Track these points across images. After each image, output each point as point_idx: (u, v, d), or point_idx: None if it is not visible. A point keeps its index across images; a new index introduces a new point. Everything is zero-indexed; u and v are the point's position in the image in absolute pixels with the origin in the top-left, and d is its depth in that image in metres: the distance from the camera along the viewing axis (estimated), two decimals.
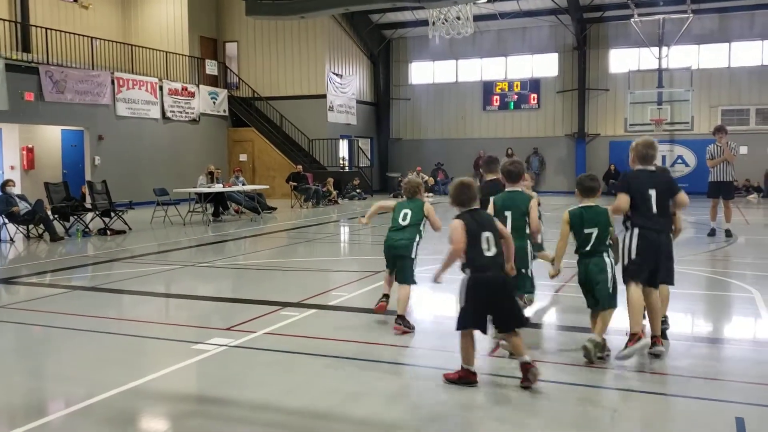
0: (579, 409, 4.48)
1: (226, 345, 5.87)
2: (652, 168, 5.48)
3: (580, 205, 5.53)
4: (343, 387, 4.89)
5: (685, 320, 7.14)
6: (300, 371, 5.31)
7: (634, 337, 5.23)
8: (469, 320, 4.86)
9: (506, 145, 29.38)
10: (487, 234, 4.85)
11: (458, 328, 4.91)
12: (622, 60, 28.24)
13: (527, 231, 6.05)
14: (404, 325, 6.29)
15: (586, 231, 5.45)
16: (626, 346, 5.22)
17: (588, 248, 5.46)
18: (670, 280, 5.66)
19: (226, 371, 5.30)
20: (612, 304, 5.44)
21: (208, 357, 5.61)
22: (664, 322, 5.95)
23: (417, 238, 6.59)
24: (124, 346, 6.05)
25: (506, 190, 6.12)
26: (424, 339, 6.41)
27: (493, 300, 4.85)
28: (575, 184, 5.73)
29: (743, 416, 4.26)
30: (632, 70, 27.25)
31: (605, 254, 5.47)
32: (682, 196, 5.48)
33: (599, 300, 5.41)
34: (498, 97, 30.36)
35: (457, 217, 4.90)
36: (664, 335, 5.77)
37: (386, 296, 6.78)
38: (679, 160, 27.53)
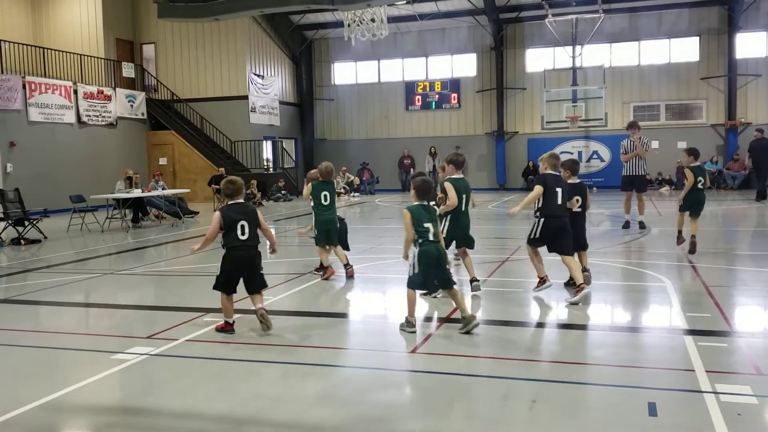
0: (497, 401, 4.61)
1: (147, 354, 5.74)
2: (558, 173, 7.75)
3: (454, 176, 7.78)
4: (268, 391, 4.88)
5: (601, 310, 7.44)
6: (223, 378, 5.25)
7: (540, 280, 7.68)
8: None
9: (429, 143, 29.81)
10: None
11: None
12: (537, 59, 29.07)
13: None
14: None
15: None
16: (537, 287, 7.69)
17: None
18: (579, 248, 8.18)
19: (147, 380, 5.19)
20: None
21: (128, 366, 5.48)
22: (586, 270, 8.11)
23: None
24: (41, 359, 5.84)
25: (456, 177, 7.81)
26: (350, 339, 6.45)
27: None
28: (448, 162, 7.94)
29: (655, 401, 4.49)
30: (548, 69, 28.09)
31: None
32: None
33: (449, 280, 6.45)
34: (420, 97, 30.73)
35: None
36: (588, 281, 7.76)
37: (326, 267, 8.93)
38: (595, 156, 28.56)
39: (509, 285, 8.60)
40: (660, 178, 26.86)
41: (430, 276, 6.27)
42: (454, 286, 6.42)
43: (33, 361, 5.80)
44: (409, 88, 30.84)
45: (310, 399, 4.71)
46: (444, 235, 7.53)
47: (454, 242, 7.87)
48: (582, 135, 28.16)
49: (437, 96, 30.51)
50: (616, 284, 8.75)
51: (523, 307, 7.49)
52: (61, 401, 4.73)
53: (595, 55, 28.02)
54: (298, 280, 9.05)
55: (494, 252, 11.47)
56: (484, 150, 29.79)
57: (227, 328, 6.36)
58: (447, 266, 6.42)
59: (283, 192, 26.51)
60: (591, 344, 6.11)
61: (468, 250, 7.98)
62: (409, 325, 6.29)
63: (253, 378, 5.20)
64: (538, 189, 7.50)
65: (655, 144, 23.75)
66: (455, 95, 30.25)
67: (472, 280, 7.88)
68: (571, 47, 27.55)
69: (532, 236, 7.63)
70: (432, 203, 6.74)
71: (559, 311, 7.22)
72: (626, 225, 13.67)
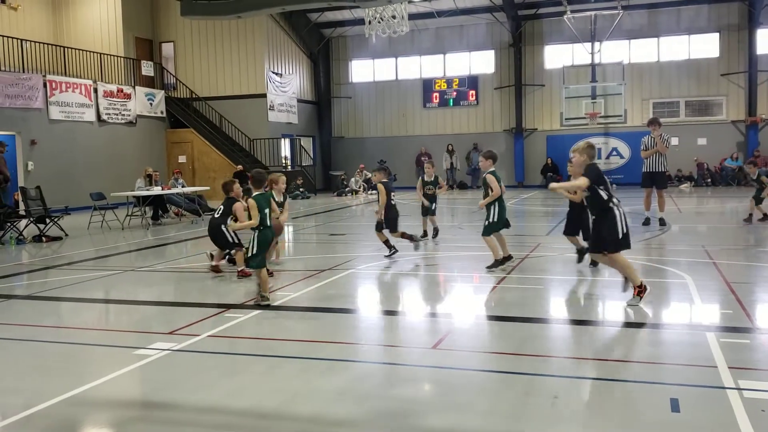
0: (519, 397, 4.60)
1: (168, 349, 5.79)
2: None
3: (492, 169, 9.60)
4: (289, 386, 4.90)
5: (622, 307, 7.39)
6: (245, 372, 5.28)
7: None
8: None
9: (447, 141, 29.75)
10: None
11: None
12: (556, 56, 28.90)
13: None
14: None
15: None
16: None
17: None
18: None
19: (169, 375, 5.23)
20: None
21: (150, 362, 5.53)
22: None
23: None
24: (64, 355, 5.90)
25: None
26: (369, 335, 6.46)
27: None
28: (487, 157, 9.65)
29: (677, 397, 4.45)
30: (566, 66, 27.92)
31: None
32: None
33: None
34: (438, 94, 30.67)
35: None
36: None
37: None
38: (614, 152, 28.36)
39: (529, 282, 8.57)
40: (680, 175, 26.61)
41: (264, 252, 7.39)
42: None
43: (56, 357, 5.86)
44: (427, 85, 30.79)
45: (331, 394, 4.72)
46: (495, 220, 9.06)
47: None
48: (601, 132, 27.94)
49: (455, 93, 30.44)
50: None
51: (544, 304, 7.45)
52: (85, 396, 4.78)
53: (614, 51, 27.82)
54: (315, 277, 9.07)
55: (514, 249, 11.43)
56: (503, 147, 29.62)
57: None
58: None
59: (301, 189, 26.60)
60: (612, 340, 6.06)
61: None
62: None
63: (274, 373, 5.23)
64: (584, 181, 6.79)
65: (674, 141, 23.49)
66: (473, 92, 30.15)
67: (507, 258, 9.16)
68: (589, 44, 27.37)
69: (618, 236, 6.80)
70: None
71: (580, 308, 7.18)
72: (646, 222, 13.56)
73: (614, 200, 6.80)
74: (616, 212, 6.75)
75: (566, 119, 26.61)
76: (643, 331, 6.31)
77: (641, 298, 6.84)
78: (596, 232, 6.96)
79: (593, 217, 7.04)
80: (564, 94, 26.66)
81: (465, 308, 7.41)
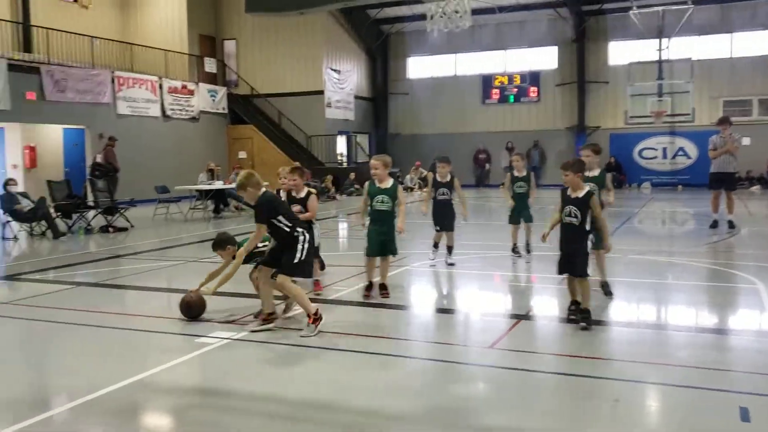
0: (578, 400, 4.49)
1: (228, 338, 5.89)
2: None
3: None
4: (344, 378, 4.91)
5: (688, 311, 7.15)
6: (300, 363, 5.33)
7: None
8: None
9: (506, 138, 29.40)
10: None
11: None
12: (621, 52, 28.20)
13: None
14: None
15: None
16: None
17: None
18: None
19: (228, 364, 5.31)
20: None
21: (210, 350, 5.63)
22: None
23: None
24: (128, 341, 6.07)
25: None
26: (425, 332, 6.43)
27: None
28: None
29: (747, 406, 4.26)
30: (632, 62, 27.17)
31: None
32: None
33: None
34: (497, 91, 30.35)
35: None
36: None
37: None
38: (680, 152, 27.52)
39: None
40: (750, 177, 25.61)
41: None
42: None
43: (120, 343, 6.03)
44: (486, 81, 30.49)
45: (385, 388, 4.71)
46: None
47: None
48: (667, 131, 27.14)
49: (515, 89, 30.05)
50: (702, 284, 8.40)
51: (605, 306, 7.27)
52: (147, 381, 4.90)
53: (682, 47, 26.94)
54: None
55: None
56: (564, 145, 29.12)
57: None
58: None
59: (356, 186, 26.69)
60: (676, 345, 5.86)
61: None
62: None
63: (329, 365, 5.25)
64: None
65: (746, 141, 22.59)
66: (534, 89, 29.72)
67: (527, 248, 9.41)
68: (656, 40, 26.59)
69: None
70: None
71: (641, 311, 6.97)
72: (714, 224, 13.09)
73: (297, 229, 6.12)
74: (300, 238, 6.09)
75: (631, 117, 25.92)
76: (710, 336, 6.08)
77: (317, 326, 5.98)
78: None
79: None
80: (629, 91, 25.97)
81: (523, 308, 7.29)
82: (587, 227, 6.10)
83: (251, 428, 4.10)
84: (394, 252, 7.56)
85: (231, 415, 4.30)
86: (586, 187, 6.22)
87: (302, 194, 7.67)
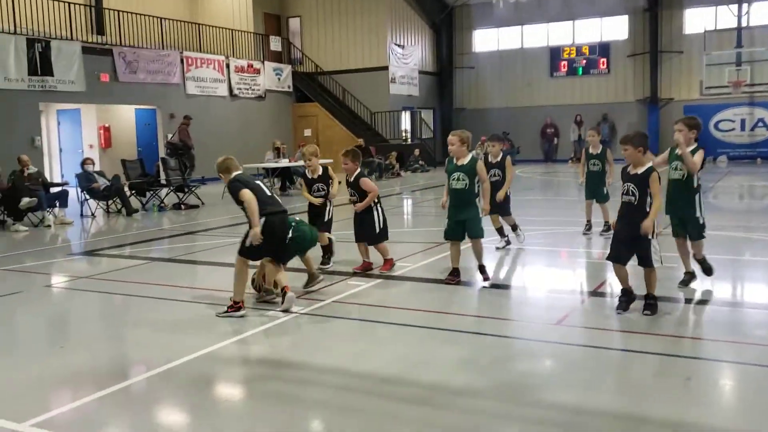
0: (649, 377, 4.40)
1: (296, 312, 6.00)
2: None
3: None
4: (411, 353, 4.95)
5: (764, 289, 6.88)
6: (368, 338, 5.40)
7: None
8: None
9: (574, 111, 28.73)
10: None
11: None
12: (697, 20, 26.99)
13: None
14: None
15: None
16: None
17: None
18: None
19: (297, 337, 5.43)
20: None
21: (279, 323, 5.76)
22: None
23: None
24: (200, 314, 6.26)
25: None
26: (491, 308, 6.40)
27: None
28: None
29: None
30: (708, 30, 26.02)
31: None
32: None
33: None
34: (566, 63, 29.60)
35: None
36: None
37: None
38: (760, 124, 26.29)
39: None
40: None
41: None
42: None
43: (193, 316, 6.23)
44: (554, 53, 29.77)
45: (452, 363, 4.73)
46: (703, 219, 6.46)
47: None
48: (746, 101, 25.93)
49: (584, 61, 29.25)
50: None
51: (677, 283, 7.06)
52: (218, 353, 5.06)
53: (764, 13, 25.57)
54: (434, 250, 9.07)
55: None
56: (635, 118, 28.27)
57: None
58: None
59: (420, 163, 26.60)
60: (752, 323, 5.65)
61: None
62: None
63: (396, 340, 5.30)
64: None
65: None
66: (604, 60, 28.86)
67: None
68: (736, 5, 25.34)
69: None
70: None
71: (715, 287, 6.74)
72: None
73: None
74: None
75: (706, 88, 24.89)
76: None
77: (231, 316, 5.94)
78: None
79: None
80: (705, 60, 24.91)
81: (590, 285, 7.17)
82: (647, 208, 5.59)
83: (322, 400, 4.18)
84: (473, 235, 6.89)
85: (301, 387, 4.41)
86: (648, 163, 5.77)
87: (352, 178, 7.66)
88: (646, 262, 5.63)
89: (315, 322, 5.81)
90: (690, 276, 6.54)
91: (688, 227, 6.38)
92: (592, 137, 9.64)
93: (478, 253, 6.99)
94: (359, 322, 5.78)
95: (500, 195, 8.40)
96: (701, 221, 6.36)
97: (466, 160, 6.83)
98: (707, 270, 6.57)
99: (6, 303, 6.93)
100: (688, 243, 6.48)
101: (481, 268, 7.01)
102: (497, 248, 8.83)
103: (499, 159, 8.80)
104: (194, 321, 6.04)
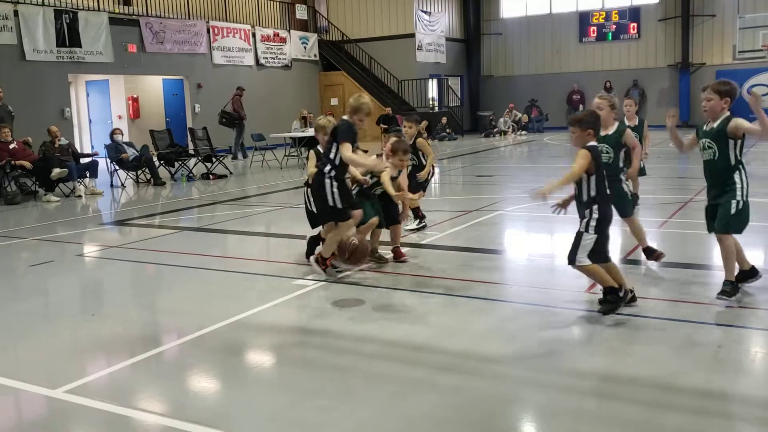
0: (677, 346, 4.37)
1: (324, 280, 6.06)
2: None
3: None
4: (439, 321, 4.97)
5: None
6: (393, 307, 5.43)
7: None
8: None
9: (604, 78, 28.24)
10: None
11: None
12: None
13: None
14: None
15: None
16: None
17: None
18: None
19: (325, 305, 5.48)
20: None
21: (307, 291, 5.82)
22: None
23: None
24: (230, 282, 6.35)
25: None
26: (518, 276, 6.39)
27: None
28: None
29: None
30: None
31: None
32: None
33: None
34: (595, 28, 29.02)
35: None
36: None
37: None
38: None
39: (691, 227, 8.04)
40: None
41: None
42: None
43: (223, 284, 6.33)
44: (583, 18, 29.19)
45: (480, 331, 4.74)
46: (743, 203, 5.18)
47: None
48: None
49: (614, 26, 28.64)
50: None
51: (708, 249, 6.97)
52: (248, 320, 5.13)
53: None
54: (462, 218, 9.05)
55: (677, 192, 10.80)
56: (666, 83, 27.73)
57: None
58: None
59: (447, 131, 26.42)
60: None
61: None
62: None
63: (424, 308, 5.32)
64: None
65: None
66: (634, 25, 28.22)
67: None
68: None
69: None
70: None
71: (749, 256, 6.63)
72: None
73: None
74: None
75: (740, 52, 24.23)
76: None
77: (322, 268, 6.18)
78: None
79: None
80: (738, 24, 24.21)
81: (621, 253, 7.10)
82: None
83: (351, 366, 4.23)
84: (622, 214, 6.08)
85: (330, 354, 4.46)
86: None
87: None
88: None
89: (342, 290, 5.85)
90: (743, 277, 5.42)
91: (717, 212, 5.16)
92: (630, 107, 8.34)
93: (638, 233, 6.29)
94: (386, 290, 5.82)
95: (422, 175, 8.02)
96: (738, 206, 5.07)
97: (612, 129, 5.87)
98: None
99: (39, 272, 7.09)
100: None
101: (648, 250, 6.30)
102: (408, 229, 8.12)
103: (412, 141, 8.08)
104: (224, 289, 6.13)
